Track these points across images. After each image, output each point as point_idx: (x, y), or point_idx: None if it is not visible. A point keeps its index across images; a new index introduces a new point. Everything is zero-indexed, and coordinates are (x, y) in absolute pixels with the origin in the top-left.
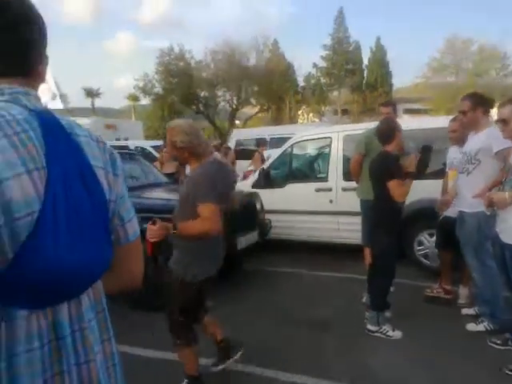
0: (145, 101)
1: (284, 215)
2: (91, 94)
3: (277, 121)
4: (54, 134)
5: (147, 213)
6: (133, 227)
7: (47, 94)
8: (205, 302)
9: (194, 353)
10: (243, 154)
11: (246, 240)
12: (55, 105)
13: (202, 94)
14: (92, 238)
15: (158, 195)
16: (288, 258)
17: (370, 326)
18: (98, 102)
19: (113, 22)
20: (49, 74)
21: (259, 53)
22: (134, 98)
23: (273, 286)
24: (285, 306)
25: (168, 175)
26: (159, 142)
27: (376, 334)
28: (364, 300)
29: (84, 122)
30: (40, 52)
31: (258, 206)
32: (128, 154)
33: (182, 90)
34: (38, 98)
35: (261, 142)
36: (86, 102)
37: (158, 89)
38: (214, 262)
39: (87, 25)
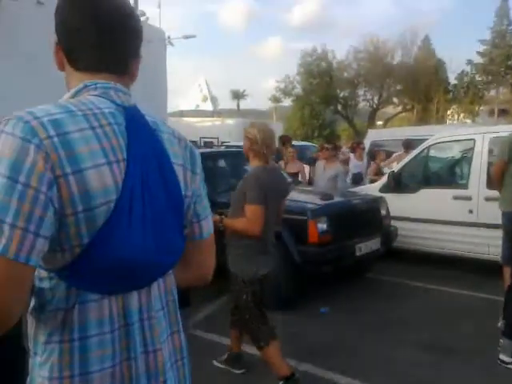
0: (287, 102)
1: (413, 223)
2: (237, 95)
3: (422, 121)
4: (138, 129)
5: None
6: (207, 225)
7: (199, 97)
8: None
9: (277, 350)
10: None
11: (366, 247)
12: (206, 106)
13: (342, 94)
14: (165, 229)
15: None
16: (414, 270)
17: (503, 356)
18: (245, 104)
19: (264, 26)
20: (202, 78)
21: (406, 50)
22: (276, 100)
23: (394, 298)
24: (405, 322)
25: (291, 175)
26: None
27: (510, 366)
28: (499, 325)
29: (228, 122)
30: (135, 53)
31: (383, 212)
32: None
33: (321, 90)
34: (128, 95)
35: (409, 144)
36: (234, 104)
37: (298, 90)
38: (266, 260)
39: (239, 30)
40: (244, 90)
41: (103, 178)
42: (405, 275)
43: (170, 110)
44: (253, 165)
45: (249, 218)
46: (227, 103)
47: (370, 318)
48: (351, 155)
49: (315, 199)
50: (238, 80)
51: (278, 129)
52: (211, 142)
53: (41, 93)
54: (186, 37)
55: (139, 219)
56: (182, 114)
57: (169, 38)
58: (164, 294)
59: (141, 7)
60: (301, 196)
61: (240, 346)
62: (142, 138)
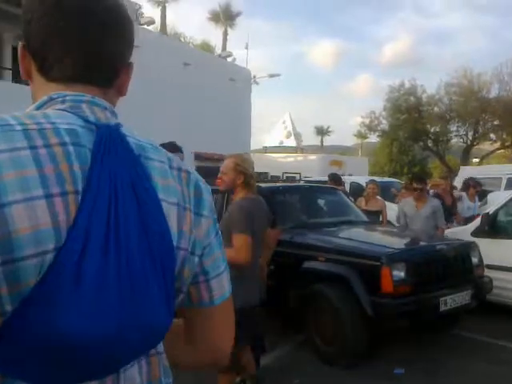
0: (373, 138)
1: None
2: (321, 132)
3: None
4: (111, 153)
5: (338, 255)
6: (221, 286)
7: (283, 133)
8: (256, 338)
9: (231, 382)
10: None
11: (453, 300)
12: (289, 142)
13: (432, 130)
14: (139, 296)
15: (349, 235)
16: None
17: None
18: (329, 140)
19: (352, 64)
20: (287, 115)
21: (503, 83)
22: (362, 136)
23: (484, 361)
24: None
25: (371, 213)
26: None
27: None
28: None
29: (311, 158)
30: (122, 60)
31: (475, 260)
32: (326, 188)
33: (409, 125)
34: (109, 111)
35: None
36: (317, 140)
37: (384, 125)
38: (255, 290)
39: (327, 68)
40: (328, 127)
41: (36, 216)
42: (499, 335)
43: (254, 146)
44: (240, 196)
45: (236, 248)
46: (311, 139)
47: (453, 383)
48: (463, 194)
49: (393, 242)
50: (324, 117)
51: (364, 164)
52: (293, 176)
53: (132, 117)
54: (271, 75)
55: (94, 279)
56: (265, 150)
57: (254, 77)
58: (147, 383)
59: (229, 48)
60: (375, 237)
61: (252, 369)
62: (114, 164)
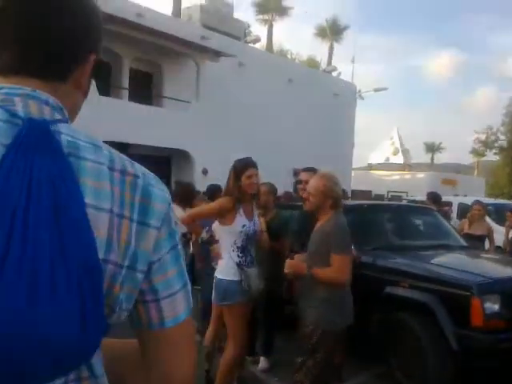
0: (492, 156)
1: None
2: (432, 149)
3: None
4: (29, 148)
5: (424, 282)
6: (174, 307)
7: (390, 150)
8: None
9: None
10: None
11: None
12: (396, 159)
13: None
14: (40, 310)
15: (438, 260)
16: None
17: None
18: (441, 158)
19: (472, 77)
20: (394, 131)
21: None
22: (478, 153)
23: None
24: None
25: (474, 237)
26: (495, 201)
27: None
28: None
29: (419, 176)
30: (74, 55)
31: None
32: (420, 208)
33: None
34: (50, 106)
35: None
36: (427, 157)
37: (503, 141)
38: (350, 311)
39: (443, 82)
40: (440, 143)
41: None
42: None
43: (359, 163)
44: (329, 216)
45: (339, 268)
46: (420, 157)
47: None
48: None
49: (489, 270)
50: (436, 133)
51: (480, 184)
52: (399, 196)
53: (238, 133)
54: (377, 89)
55: None
56: (370, 167)
57: (359, 91)
58: None
59: (335, 63)
60: (469, 264)
61: None
62: (34, 163)
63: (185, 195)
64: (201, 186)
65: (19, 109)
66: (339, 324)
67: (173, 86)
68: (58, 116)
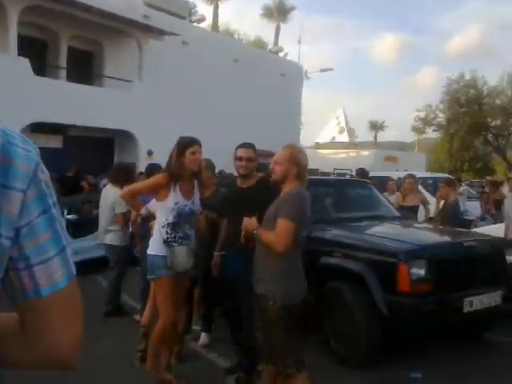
0: (432, 134)
1: None
2: (375, 127)
3: None
4: None
5: (356, 251)
6: (50, 274)
7: (336, 129)
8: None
9: (309, 379)
10: None
11: (480, 301)
12: (342, 138)
13: (493, 124)
14: None
15: (371, 230)
16: None
17: None
18: (385, 136)
19: (416, 58)
20: (341, 111)
21: None
22: (418, 131)
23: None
24: None
25: (407, 208)
26: (432, 174)
27: None
28: None
29: (363, 153)
30: None
31: (511, 258)
32: (358, 182)
33: (469, 119)
34: None
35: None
36: (371, 136)
37: (441, 119)
38: (304, 285)
39: (388, 63)
40: (383, 122)
41: None
42: None
43: (306, 142)
44: (291, 187)
45: (278, 233)
46: (366, 136)
47: None
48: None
49: (416, 237)
50: (381, 113)
51: (421, 160)
52: (344, 173)
53: (184, 113)
54: (323, 70)
55: None
56: (317, 146)
57: (306, 72)
58: None
59: (283, 44)
60: (398, 232)
61: None
62: None
63: (120, 174)
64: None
65: None
66: (296, 298)
67: (115, 65)
68: None
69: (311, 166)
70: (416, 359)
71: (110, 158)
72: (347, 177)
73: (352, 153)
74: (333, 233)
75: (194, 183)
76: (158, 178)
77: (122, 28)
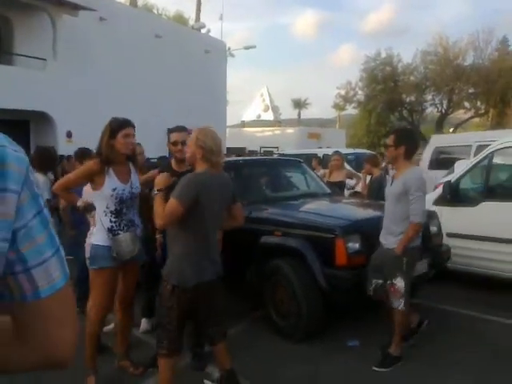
0: (352, 110)
1: (472, 241)
2: (299, 104)
3: (499, 127)
4: None
5: (294, 229)
6: (48, 275)
7: (261, 107)
8: (210, 319)
9: (171, 368)
10: (442, 163)
11: None
12: (267, 116)
13: (408, 100)
14: None
15: (307, 208)
16: (470, 297)
17: None
18: (308, 114)
19: (334, 35)
20: (265, 89)
21: (478, 51)
22: (339, 108)
23: (440, 330)
24: (450, 359)
25: (334, 184)
26: (355, 150)
27: None
28: None
29: (288, 131)
30: None
31: (434, 229)
32: (291, 161)
33: (386, 96)
34: None
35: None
36: (295, 113)
37: (361, 96)
38: (196, 270)
39: (308, 40)
40: (306, 99)
41: None
42: (458, 303)
43: (232, 121)
44: (200, 167)
45: (166, 209)
46: (289, 113)
47: (410, 353)
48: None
49: (349, 213)
50: (303, 90)
51: (341, 136)
52: (271, 151)
53: (104, 92)
54: (247, 47)
55: None
56: (243, 124)
57: (229, 49)
58: None
59: (205, 21)
60: (332, 209)
61: (228, 362)
62: None
63: (44, 160)
64: (66, 150)
65: None
66: (189, 281)
67: (26, 42)
68: None
69: (238, 144)
70: (353, 329)
71: (26, 141)
72: (275, 155)
73: (277, 130)
74: (270, 212)
75: (129, 165)
76: (89, 165)
77: (32, 2)
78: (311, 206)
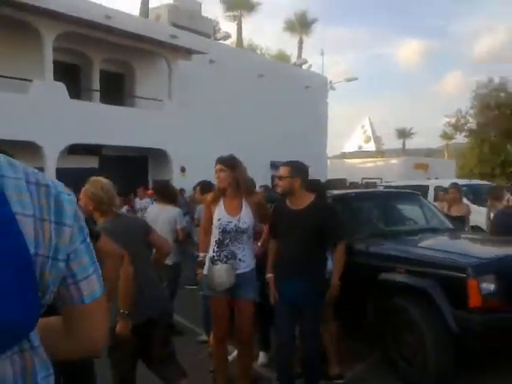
0: (460, 139)
1: None
2: (403, 134)
3: None
4: None
5: (420, 266)
6: (91, 286)
7: (362, 138)
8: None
9: None
10: None
11: None
12: (369, 147)
13: None
14: None
15: (430, 243)
16: None
17: None
18: (412, 143)
19: (440, 64)
20: (366, 119)
21: None
22: (448, 137)
23: None
24: None
25: (454, 219)
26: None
27: None
28: None
29: (392, 162)
30: None
31: None
32: (405, 193)
33: (500, 123)
34: None
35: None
36: (399, 143)
37: (472, 124)
38: (149, 303)
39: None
40: (411, 128)
41: None
42: None
43: (333, 152)
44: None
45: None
46: (392, 143)
47: None
48: None
49: (480, 250)
50: (407, 120)
51: (450, 166)
52: (374, 182)
53: (212, 129)
54: (348, 79)
55: None
56: (344, 155)
57: (331, 82)
58: (21, 375)
59: (306, 56)
60: (460, 245)
61: None
62: None
63: (164, 192)
64: (179, 183)
65: None
66: (135, 318)
67: (145, 85)
68: None
69: (339, 175)
70: (488, 378)
71: (144, 175)
72: (378, 187)
73: (380, 161)
74: (389, 247)
75: (242, 200)
76: (206, 197)
77: (151, 49)
78: (435, 241)
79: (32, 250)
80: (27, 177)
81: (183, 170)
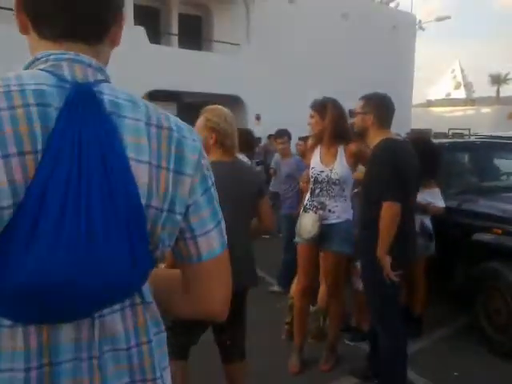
0: None
1: None
2: (498, 80)
3: None
4: (77, 111)
5: (507, 224)
6: (210, 243)
7: (451, 84)
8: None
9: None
10: None
11: None
12: (458, 94)
13: None
14: (96, 251)
15: None
16: None
17: None
18: (508, 91)
19: None
20: (456, 64)
21: None
22: None
23: None
24: None
25: None
26: None
27: None
28: None
29: (484, 111)
30: (112, 16)
31: None
32: (505, 145)
33: None
34: (93, 67)
35: None
36: (493, 91)
37: None
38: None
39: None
40: (507, 74)
41: (10, 171)
42: None
43: (417, 100)
44: (212, 160)
45: None
46: (485, 91)
47: None
48: None
49: None
50: (503, 64)
51: None
52: (461, 133)
53: (291, 75)
54: (439, 19)
55: (49, 235)
56: (429, 103)
57: (420, 22)
58: (134, 330)
59: None
60: None
61: None
62: (80, 123)
63: (246, 143)
64: (254, 132)
65: (66, 73)
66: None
67: (222, 28)
68: (100, 77)
69: (423, 125)
70: None
71: None
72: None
73: (470, 110)
74: (488, 204)
75: (338, 150)
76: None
77: None
78: None
79: (143, 201)
80: (148, 118)
81: (258, 118)
